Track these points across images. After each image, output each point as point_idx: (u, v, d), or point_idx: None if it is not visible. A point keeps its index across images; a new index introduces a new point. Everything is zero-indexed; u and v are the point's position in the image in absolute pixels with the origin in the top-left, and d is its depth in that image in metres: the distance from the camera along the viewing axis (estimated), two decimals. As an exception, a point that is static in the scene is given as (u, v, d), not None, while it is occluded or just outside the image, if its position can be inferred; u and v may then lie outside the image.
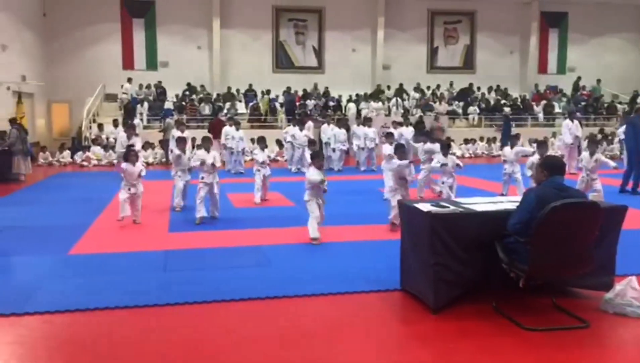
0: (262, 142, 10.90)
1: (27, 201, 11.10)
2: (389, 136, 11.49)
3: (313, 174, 7.33)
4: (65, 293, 5.31)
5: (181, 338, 4.30)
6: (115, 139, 16.34)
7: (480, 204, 5.27)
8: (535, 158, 9.10)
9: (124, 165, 8.62)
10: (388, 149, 9.65)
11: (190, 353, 4.05)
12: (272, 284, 5.55)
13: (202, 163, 8.64)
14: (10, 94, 18.62)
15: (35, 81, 20.58)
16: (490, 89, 26.07)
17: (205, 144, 9.23)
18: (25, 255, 6.79)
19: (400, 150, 8.20)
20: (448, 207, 4.99)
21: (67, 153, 18.99)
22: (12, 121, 14.95)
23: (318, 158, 7.69)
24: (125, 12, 23.95)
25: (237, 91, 23.88)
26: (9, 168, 14.02)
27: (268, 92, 23.53)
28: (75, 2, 23.24)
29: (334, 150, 16.43)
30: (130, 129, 11.58)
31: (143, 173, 8.71)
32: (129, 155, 8.74)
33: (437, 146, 10.69)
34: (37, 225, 8.59)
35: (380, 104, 23.25)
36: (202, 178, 8.68)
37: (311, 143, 13.59)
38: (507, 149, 11.22)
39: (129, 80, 22.90)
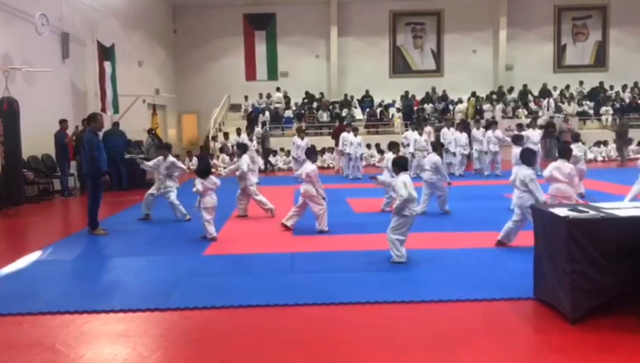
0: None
1: (163, 204, 11.83)
2: (517, 140, 11.00)
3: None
4: (202, 291, 5.62)
5: (308, 339, 4.39)
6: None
7: (623, 209, 4.90)
8: None
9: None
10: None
11: (316, 352, 4.12)
12: (397, 289, 5.52)
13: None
14: (146, 106, 20.09)
15: (167, 94, 22.06)
16: (625, 87, 24.22)
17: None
18: (165, 255, 7.28)
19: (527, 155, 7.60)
20: (587, 212, 4.69)
21: (195, 160, 20.11)
22: (149, 131, 16.14)
23: None
24: (248, 25, 25.03)
25: (352, 97, 24.09)
26: (146, 175, 15.11)
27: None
28: (202, 18, 24.70)
29: (454, 154, 16.07)
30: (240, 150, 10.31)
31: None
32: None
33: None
34: (174, 227, 9.17)
35: (502, 105, 22.42)
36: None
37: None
38: None
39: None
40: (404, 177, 6.56)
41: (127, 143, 15.47)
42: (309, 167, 8.32)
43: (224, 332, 4.60)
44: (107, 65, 16.10)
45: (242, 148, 10.34)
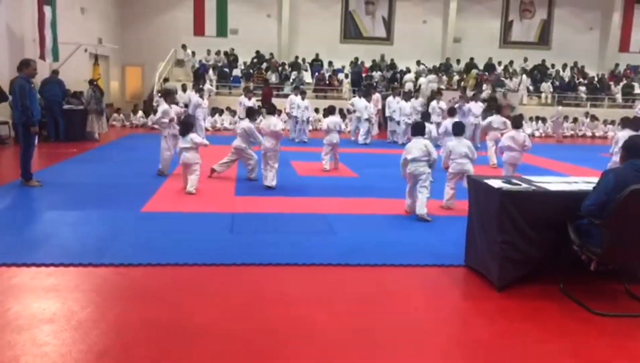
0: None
1: (101, 159, 11.58)
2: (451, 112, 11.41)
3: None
4: (138, 248, 5.55)
5: (246, 298, 4.42)
6: (186, 104, 16.75)
7: (553, 183, 5.11)
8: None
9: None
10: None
11: (253, 311, 4.16)
12: (336, 252, 5.61)
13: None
14: (87, 56, 19.28)
15: (111, 44, 21.21)
16: (565, 66, 24.98)
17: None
18: (101, 209, 7.10)
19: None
20: (520, 185, 4.86)
21: (140, 114, 19.56)
22: (91, 82, 15.54)
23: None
24: (198, -22, 24.15)
25: (303, 60, 23.87)
26: (85, 127, 14.64)
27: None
28: (150, -34, 23.68)
29: (398, 123, 16.24)
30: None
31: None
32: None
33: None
34: (111, 182, 8.95)
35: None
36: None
37: None
38: None
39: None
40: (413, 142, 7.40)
41: (65, 92, 14.85)
42: (245, 123, 9.28)
43: (159, 289, 4.56)
44: (47, 10, 15.25)
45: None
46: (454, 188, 7.81)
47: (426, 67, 23.50)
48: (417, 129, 7.62)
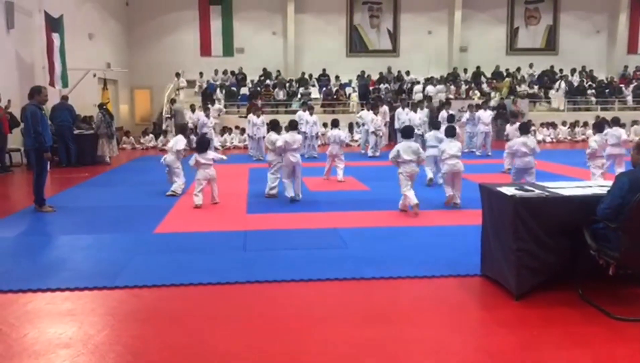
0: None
1: (113, 182, 11.65)
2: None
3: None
4: (152, 269, 5.55)
5: (261, 316, 4.39)
6: (196, 126, 16.90)
7: (567, 188, 5.05)
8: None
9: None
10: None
11: (269, 330, 4.13)
12: (350, 266, 5.57)
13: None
14: (96, 80, 19.50)
15: (119, 68, 21.44)
16: (573, 71, 24.89)
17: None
18: (114, 233, 7.13)
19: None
20: (533, 191, 4.82)
21: (150, 136, 19.70)
22: (100, 106, 15.70)
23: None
24: (203, -1, 24.48)
25: (310, 75, 23.98)
26: (96, 151, 14.77)
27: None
28: (156, -10, 24.01)
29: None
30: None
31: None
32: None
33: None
34: (124, 205, 8.99)
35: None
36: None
37: None
38: None
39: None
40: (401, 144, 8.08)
41: (76, 117, 15.00)
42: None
43: (174, 310, 4.55)
44: (56, 37, 15.50)
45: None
46: (451, 185, 8.38)
47: (416, 78, 23.46)
48: (407, 133, 8.28)
